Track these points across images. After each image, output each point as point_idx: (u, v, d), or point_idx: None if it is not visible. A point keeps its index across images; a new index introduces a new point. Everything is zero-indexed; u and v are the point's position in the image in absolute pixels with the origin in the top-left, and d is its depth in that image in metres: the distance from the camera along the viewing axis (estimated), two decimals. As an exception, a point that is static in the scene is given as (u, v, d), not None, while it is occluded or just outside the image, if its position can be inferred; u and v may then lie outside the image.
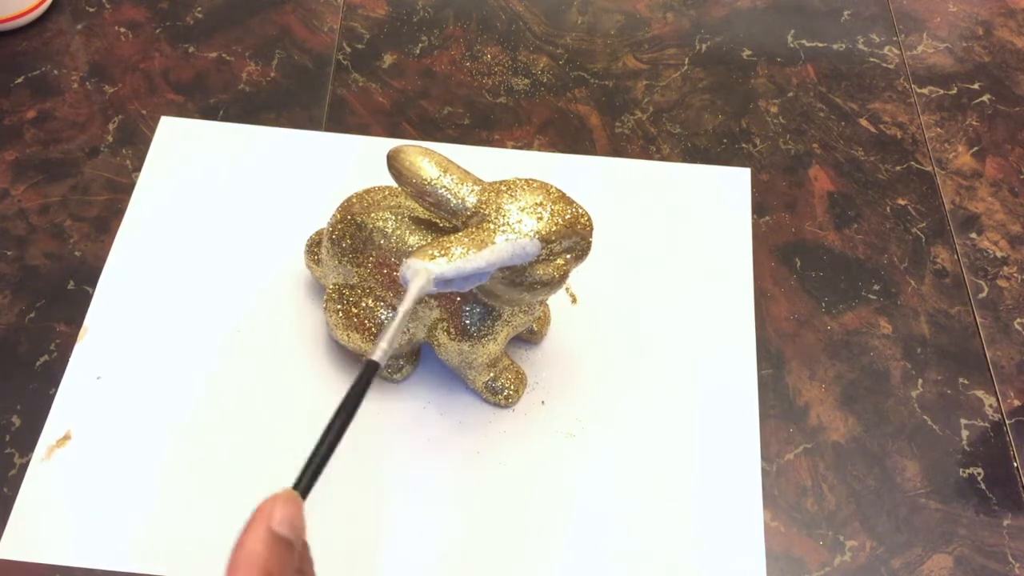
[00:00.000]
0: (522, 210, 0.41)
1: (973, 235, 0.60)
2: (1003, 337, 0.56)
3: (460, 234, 0.40)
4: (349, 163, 0.61)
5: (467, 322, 0.46)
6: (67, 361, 0.52)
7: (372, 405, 0.50)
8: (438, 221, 0.45)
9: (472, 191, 0.42)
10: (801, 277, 0.57)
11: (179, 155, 0.61)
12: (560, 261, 0.42)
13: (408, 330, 0.48)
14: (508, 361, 0.51)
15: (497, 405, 0.51)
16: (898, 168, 0.63)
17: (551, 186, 0.42)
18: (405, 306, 0.37)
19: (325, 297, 0.50)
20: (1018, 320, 0.56)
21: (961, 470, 0.51)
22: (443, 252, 0.39)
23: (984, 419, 0.52)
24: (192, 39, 0.68)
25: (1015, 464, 0.51)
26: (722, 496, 0.49)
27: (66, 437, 0.50)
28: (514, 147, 0.63)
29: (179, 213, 0.58)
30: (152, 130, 0.62)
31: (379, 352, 0.34)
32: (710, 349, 0.54)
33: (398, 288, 0.46)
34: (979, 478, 0.50)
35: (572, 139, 0.63)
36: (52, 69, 0.65)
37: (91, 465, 0.49)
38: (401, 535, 0.47)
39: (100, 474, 0.48)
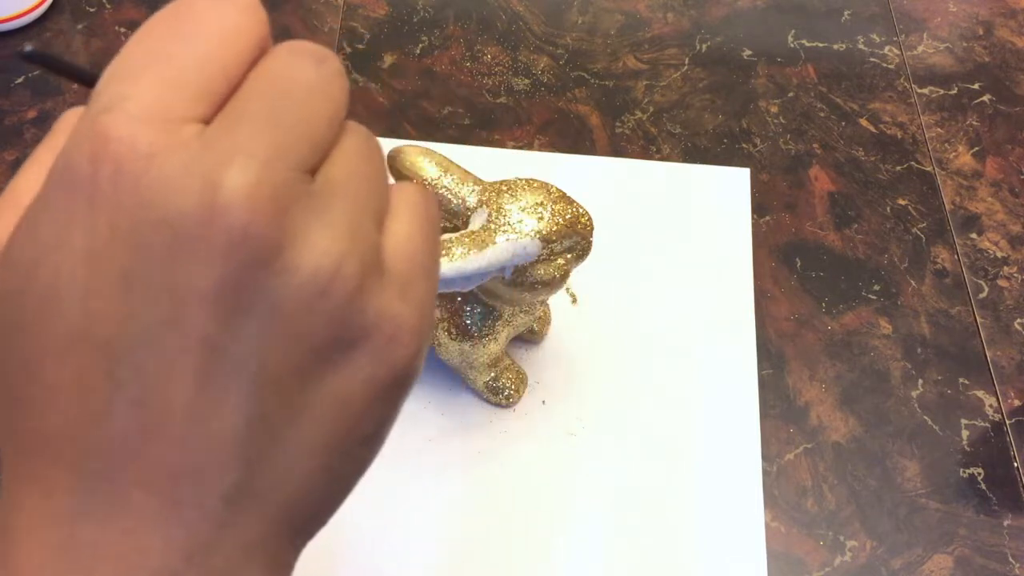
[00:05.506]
0: (523, 210, 0.41)
1: (973, 235, 0.60)
2: (1003, 337, 0.56)
3: (461, 234, 0.40)
4: (349, 163, 0.61)
5: (468, 322, 0.46)
6: (67, 361, 0.52)
7: (372, 405, 0.51)
8: (438, 221, 0.45)
9: (473, 191, 0.42)
10: (801, 277, 0.57)
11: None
12: (561, 261, 0.42)
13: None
14: (509, 361, 0.51)
15: (498, 405, 0.51)
16: (898, 168, 0.63)
17: (551, 186, 0.42)
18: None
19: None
20: (1018, 320, 0.56)
21: (961, 470, 0.51)
22: (444, 252, 0.39)
23: (984, 419, 0.52)
24: (192, 39, 0.68)
25: (1015, 464, 0.51)
26: (723, 496, 0.49)
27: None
28: (514, 147, 0.63)
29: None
30: (152, 130, 0.62)
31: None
32: (710, 349, 0.54)
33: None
34: (979, 478, 0.50)
35: (572, 139, 0.63)
36: (52, 69, 0.65)
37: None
38: (401, 535, 0.47)
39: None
